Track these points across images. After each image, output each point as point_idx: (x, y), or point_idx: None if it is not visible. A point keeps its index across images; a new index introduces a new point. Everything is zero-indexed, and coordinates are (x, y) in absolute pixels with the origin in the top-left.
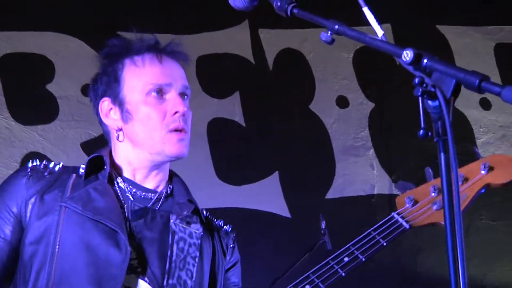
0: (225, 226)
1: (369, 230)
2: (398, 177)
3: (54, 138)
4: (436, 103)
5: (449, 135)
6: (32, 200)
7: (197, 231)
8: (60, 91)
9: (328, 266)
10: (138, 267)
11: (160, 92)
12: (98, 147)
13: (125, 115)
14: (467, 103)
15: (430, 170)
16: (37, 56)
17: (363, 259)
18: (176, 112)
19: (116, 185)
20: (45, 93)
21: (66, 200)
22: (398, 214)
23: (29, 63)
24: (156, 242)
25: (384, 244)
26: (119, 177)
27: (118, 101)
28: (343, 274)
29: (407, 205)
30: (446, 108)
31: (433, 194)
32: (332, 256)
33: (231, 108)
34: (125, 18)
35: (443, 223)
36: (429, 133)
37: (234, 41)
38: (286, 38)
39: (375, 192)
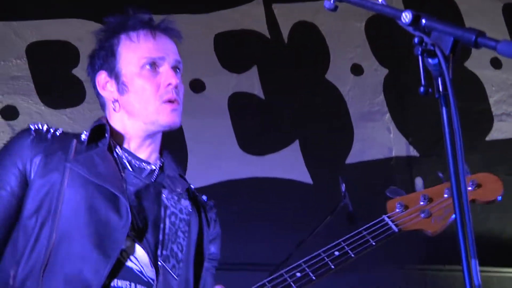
0: (209, 201)
1: (360, 229)
2: (415, 139)
3: (82, 120)
4: (436, 60)
5: (450, 89)
6: (37, 159)
7: (186, 207)
8: (86, 75)
9: (319, 258)
10: (134, 233)
11: (153, 65)
12: None
13: (121, 87)
14: (479, 63)
15: (421, 180)
16: (62, 43)
17: (353, 255)
18: (169, 84)
19: (114, 153)
20: (72, 78)
21: (71, 161)
22: (388, 217)
23: (55, 50)
24: (150, 212)
25: (373, 244)
26: (117, 146)
27: (114, 74)
28: (333, 267)
29: (397, 210)
30: (445, 64)
31: (422, 203)
32: (323, 249)
33: (250, 82)
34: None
35: (429, 231)
36: (430, 90)
37: (249, 17)
38: (299, 11)
39: (393, 155)
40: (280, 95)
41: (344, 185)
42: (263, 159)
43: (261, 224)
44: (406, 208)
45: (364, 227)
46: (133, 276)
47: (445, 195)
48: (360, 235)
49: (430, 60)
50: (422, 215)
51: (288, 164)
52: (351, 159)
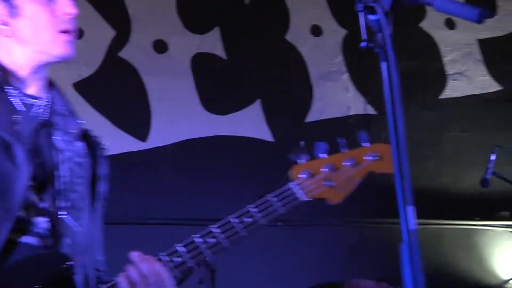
0: (98, 140)
1: (269, 196)
2: (373, 98)
3: None
4: (376, 16)
5: (388, 45)
6: None
7: (81, 149)
8: None
9: (230, 225)
10: (34, 183)
11: None
12: (90, 87)
13: (12, 10)
14: (433, 24)
15: (324, 144)
16: None
17: (264, 222)
18: (66, 13)
19: (4, 92)
20: None
21: None
22: (296, 185)
23: None
24: (47, 158)
25: (282, 211)
26: (6, 84)
27: None
28: (243, 234)
29: (304, 176)
30: (385, 20)
31: (326, 170)
32: (234, 215)
33: (213, 43)
34: None
35: (332, 200)
36: (371, 44)
37: None
38: None
39: (351, 113)
40: (242, 56)
41: (303, 142)
42: (225, 118)
43: (221, 180)
44: (311, 176)
45: (273, 194)
46: (37, 230)
47: (347, 164)
48: (269, 203)
49: (370, 16)
50: (327, 183)
51: (250, 122)
52: (311, 117)
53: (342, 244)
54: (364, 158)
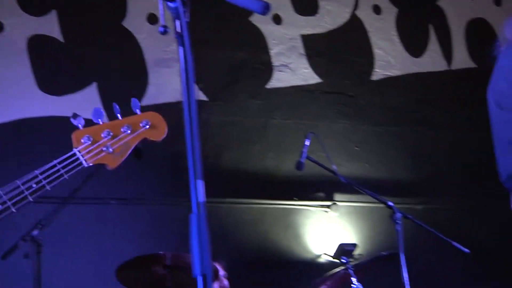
0: None
1: (54, 162)
2: (204, 85)
3: None
4: (175, 4)
5: (185, 31)
6: None
7: None
8: None
9: (19, 190)
10: None
11: None
12: None
13: None
14: (262, 18)
15: (101, 110)
16: None
17: (49, 188)
18: None
19: None
20: None
21: None
22: (79, 151)
23: None
24: None
25: (66, 177)
26: None
27: None
28: (31, 199)
29: (86, 142)
30: (182, 8)
31: (105, 137)
32: (22, 180)
33: (50, 26)
34: None
35: (109, 166)
36: (168, 30)
37: None
38: None
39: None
40: (79, 39)
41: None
42: (60, 99)
43: (55, 159)
44: (93, 142)
45: (58, 160)
46: None
47: (125, 130)
48: (54, 169)
49: (170, 4)
50: (106, 149)
51: (85, 104)
52: (146, 101)
53: (166, 220)
54: (140, 125)
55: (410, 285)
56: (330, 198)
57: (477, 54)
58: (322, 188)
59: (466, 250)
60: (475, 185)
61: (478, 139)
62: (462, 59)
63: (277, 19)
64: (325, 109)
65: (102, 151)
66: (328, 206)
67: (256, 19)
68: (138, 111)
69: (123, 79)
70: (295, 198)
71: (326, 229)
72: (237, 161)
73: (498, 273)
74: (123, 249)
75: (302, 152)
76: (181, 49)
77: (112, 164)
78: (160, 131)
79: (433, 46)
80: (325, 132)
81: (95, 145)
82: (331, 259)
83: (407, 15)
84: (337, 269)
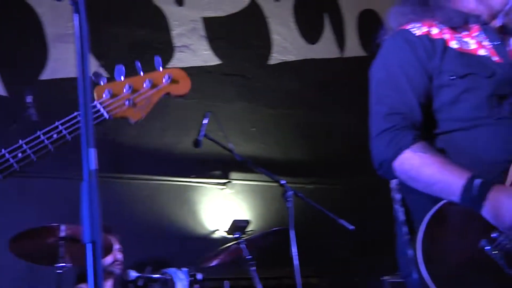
0: None
1: (75, 114)
2: (106, 62)
3: None
4: None
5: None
6: None
7: None
8: None
9: (39, 140)
10: None
11: None
12: None
13: None
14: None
15: (123, 67)
16: None
17: (69, 138)
18: None
19: None
20: None
21: None
22: (100, 103)
23: None
24: None
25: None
26: None
27: None
28: (51, 148)
29: (106, 96)
30: None
31: (126, 91)
32: (43, 131)
33: None
34: None
35: (132, 119)
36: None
37: None
38: None
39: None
40: None
41: (30, 96)
42: None
43: None
44: (113, 96)
45: (79, 112)
46: None
47: (147, 85)
48: (74, 120)
49: None
50: (127, 103)
51: None
52: (46, 76)
53: (62, 192)
54: (162, 80)
55: (299, 259)
56: (226, 176)
57: (368, 43)
58: (218, 167)
59: (351, 226)
60: (362, 167)
61: (367, 124)
62: (353, 47)
63: (179, 1)
64: (223, 90)
65: (123, 104)
66: (224, 184)
67: (159, 1)
68: (160, 68)
69: (19, 52)
70: (192, 176)
71: (221, 206)
72: (136, 138)
73: (380, 248)
74: (19, 222)
75: (200, 130)
76: (76, 16)
77: (134, 117)
78: (183, 86)
79: (328, 34)
80: (224, 112)
81: (116, 98)
82: (225, 234)
83: (304, 3)
84: (230, 244)
